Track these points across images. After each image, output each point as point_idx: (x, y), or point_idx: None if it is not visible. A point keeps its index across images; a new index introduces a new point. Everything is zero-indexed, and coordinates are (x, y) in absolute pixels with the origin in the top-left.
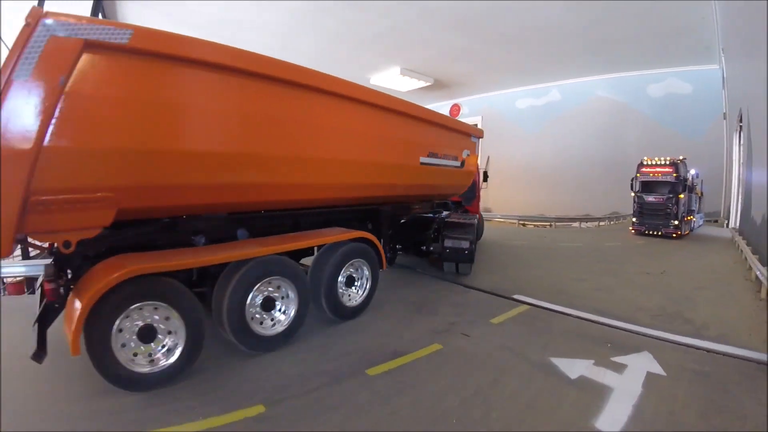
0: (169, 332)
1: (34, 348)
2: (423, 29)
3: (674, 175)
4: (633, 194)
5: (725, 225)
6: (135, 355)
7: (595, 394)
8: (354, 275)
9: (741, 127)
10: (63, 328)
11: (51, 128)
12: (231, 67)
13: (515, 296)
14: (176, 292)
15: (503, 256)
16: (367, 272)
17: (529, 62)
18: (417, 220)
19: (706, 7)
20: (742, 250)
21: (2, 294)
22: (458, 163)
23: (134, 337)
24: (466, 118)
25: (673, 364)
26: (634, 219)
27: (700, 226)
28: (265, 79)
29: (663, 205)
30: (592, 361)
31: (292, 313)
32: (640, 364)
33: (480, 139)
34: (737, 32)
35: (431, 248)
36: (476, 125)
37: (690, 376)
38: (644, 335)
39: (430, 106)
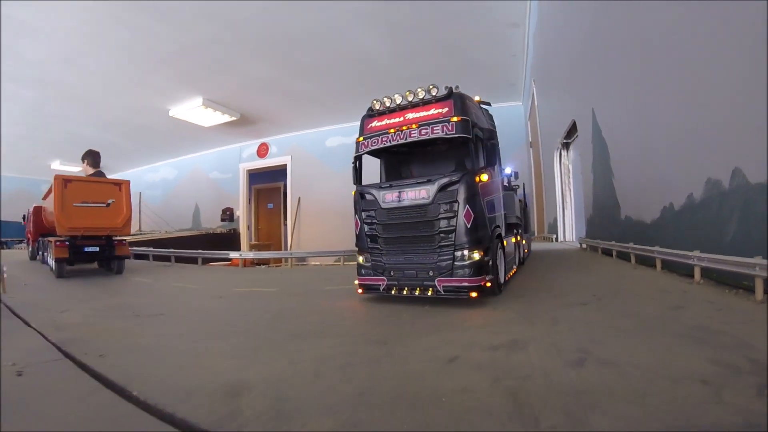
0: None
1: None
2: (224, 52)
3: (455, 119)
4: (354, 192)
5: (554, 239)
6: None
7: None
8: None
9: (564, 144)
10: None
11: None
12: None
13: None
14: None
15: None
16: None
17: (339, 97)
18: None
19: (518, 45)
20: (632, 255)
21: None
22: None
23: None
24: (275, 158)
25: None
26: (361, 259)
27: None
28: None
29: (431, 211)
30: None
31: None
32: None
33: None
34: (565, 58)
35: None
36: (285, 165)
37: None
38: None
39: (237, 145)
